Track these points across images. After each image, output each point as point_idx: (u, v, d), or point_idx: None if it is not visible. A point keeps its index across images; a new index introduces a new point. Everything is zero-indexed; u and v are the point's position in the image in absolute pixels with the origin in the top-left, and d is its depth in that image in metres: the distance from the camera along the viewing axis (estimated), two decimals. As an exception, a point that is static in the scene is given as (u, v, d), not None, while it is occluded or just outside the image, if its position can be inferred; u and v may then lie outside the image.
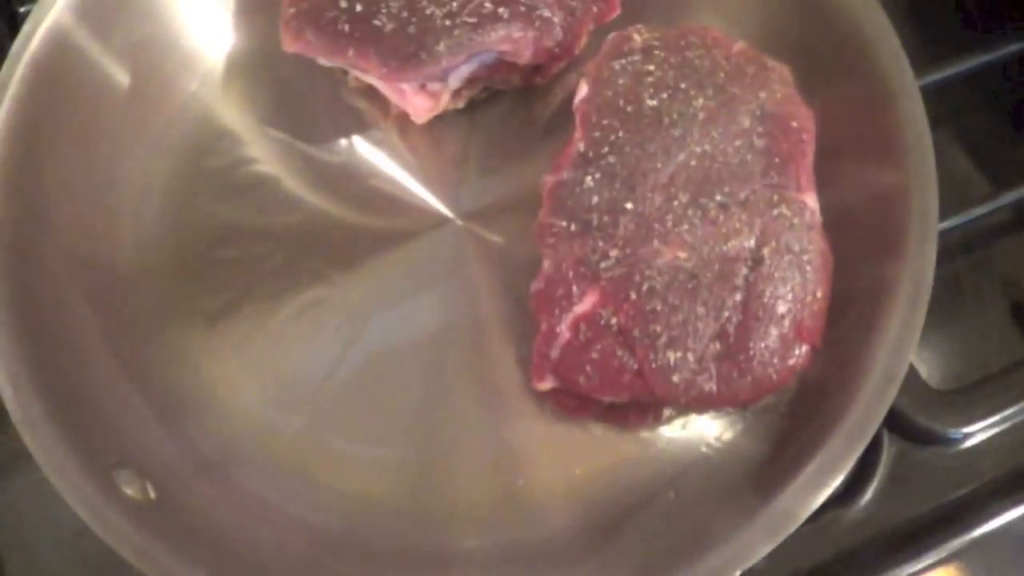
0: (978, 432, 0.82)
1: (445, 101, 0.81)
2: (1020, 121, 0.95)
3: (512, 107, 0.86)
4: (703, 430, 0.78)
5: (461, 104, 0.83)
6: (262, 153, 0.85)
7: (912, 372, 0.82)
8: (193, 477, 0.75)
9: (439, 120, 0.83)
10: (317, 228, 0.83)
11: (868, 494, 0.81)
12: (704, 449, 0.77)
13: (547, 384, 0.73)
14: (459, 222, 0.84)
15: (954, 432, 0.82)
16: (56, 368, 0.72)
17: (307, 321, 0.80)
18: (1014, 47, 0.91)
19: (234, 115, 0.87)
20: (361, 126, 0.86)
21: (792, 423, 0.76)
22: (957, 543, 0.78)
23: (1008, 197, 0.87)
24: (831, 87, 0.81)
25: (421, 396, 0.78)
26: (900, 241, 0.75)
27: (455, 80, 0.79)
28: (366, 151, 0.85)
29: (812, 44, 0.82)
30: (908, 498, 0.81)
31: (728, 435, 0.77)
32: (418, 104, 0.80)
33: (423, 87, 0.79)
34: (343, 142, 0.86)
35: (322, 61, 0.80)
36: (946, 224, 0.84)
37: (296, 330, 0.80)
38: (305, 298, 0.81)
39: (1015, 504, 0.80)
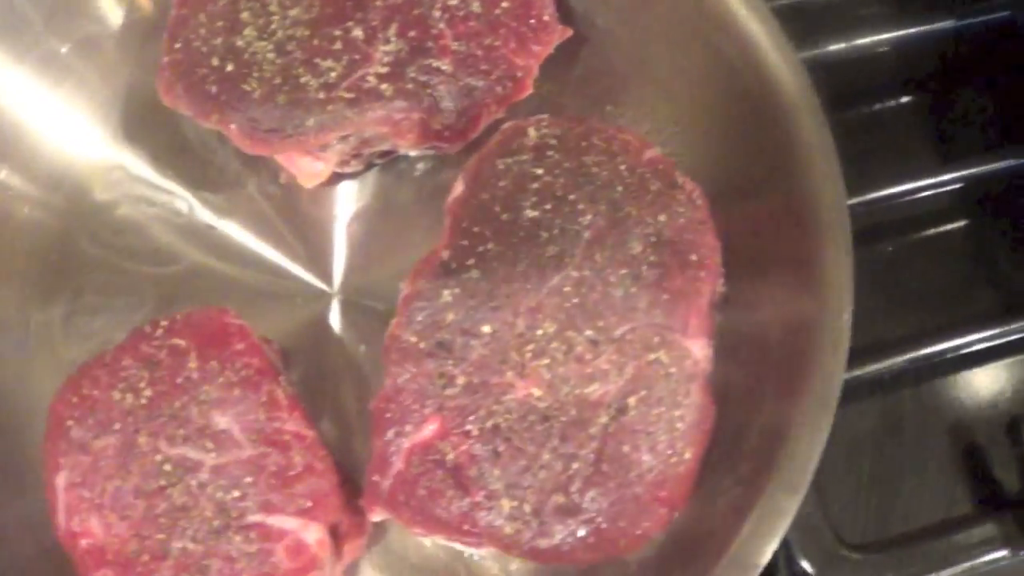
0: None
1: (331, 167, 0.73)
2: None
3: (417, 173, 0.79)
4: None
5: (360, 167, 0.76)
6: (146, 197, 0.80)
7: (827, 519, 0.73)
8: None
9: (329, 184, 0.76)
10: (191, 281, 0.78)
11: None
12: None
13: (378, 515, 0.67)
14: (338, 293, 0.78)
15: (864, 594, 0.73)
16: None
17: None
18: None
19: (127, 153, 0.81)
20: (251, 182, 0.80)
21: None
22: None
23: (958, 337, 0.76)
24: (756, 199, 0.72)
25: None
26: (798, 386, 0.66)
27: (333, 153, 0.71)
28: (253, 209, 0.79)
29: (743, 148, 0.72)
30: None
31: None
32: (305, 168, 0.73)
33: (308, 151, 0.72)
34: (231, 196, 0.79)
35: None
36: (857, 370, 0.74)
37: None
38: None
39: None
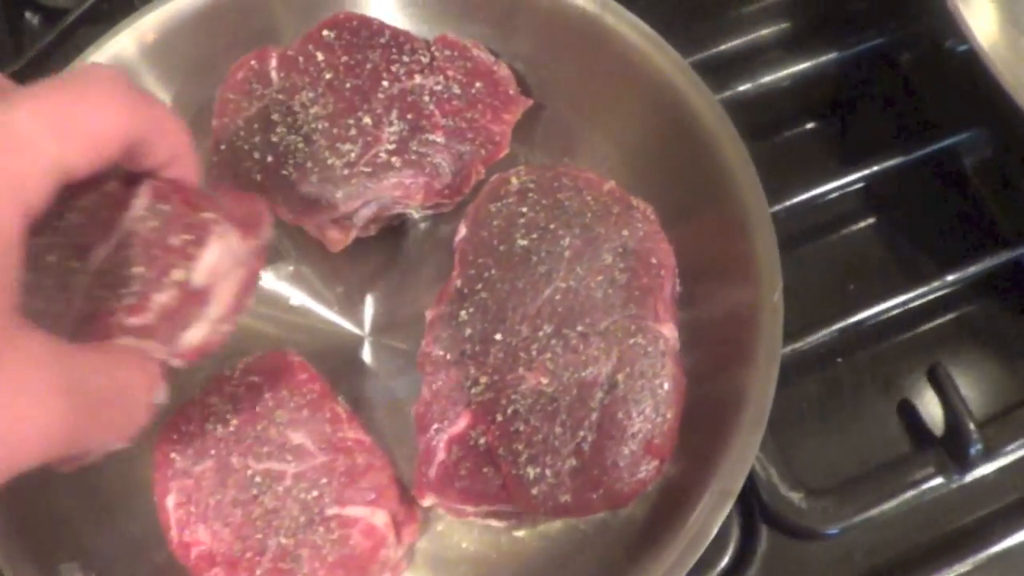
0: (851, 527, 0.89)
1: (354, 234, 0.91)
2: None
3: (421, 231, 0.96)
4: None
5: (373, 231, 0.93)
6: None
7: (789, 471, 0.89)
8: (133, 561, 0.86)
9: (353, 247, 0.93)
10: (246, 342, 0.92)
11: (745, 585, 0.89)
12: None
13: (429, 500, 0.83)
14: (368, 335, 0.93)
15: (825, 529, 0.89)
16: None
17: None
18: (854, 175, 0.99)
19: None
20: (278, 256, 0.96)
21: (647, 526, 0.84)
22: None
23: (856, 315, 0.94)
24: (695, 216, 0.89)
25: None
26: (749, 355, 0.83)
27: (359, 219, 0.89)
28: (284, 277, 0.96)
29: (680, 178, 0.90)
30: (784, 588, 0.89)
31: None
32: (332, 236, 0.90)
33: (335, 222, 0.89)
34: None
35: (241, 202, 0.90)
36: (798, 344, 0.91)
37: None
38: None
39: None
